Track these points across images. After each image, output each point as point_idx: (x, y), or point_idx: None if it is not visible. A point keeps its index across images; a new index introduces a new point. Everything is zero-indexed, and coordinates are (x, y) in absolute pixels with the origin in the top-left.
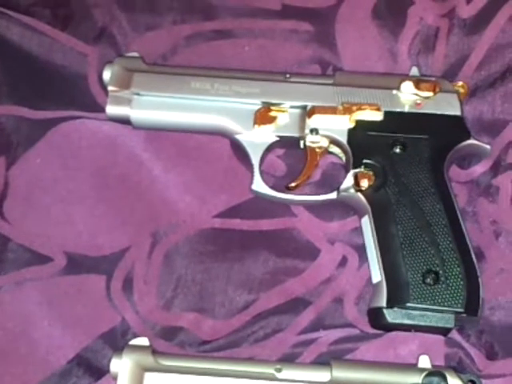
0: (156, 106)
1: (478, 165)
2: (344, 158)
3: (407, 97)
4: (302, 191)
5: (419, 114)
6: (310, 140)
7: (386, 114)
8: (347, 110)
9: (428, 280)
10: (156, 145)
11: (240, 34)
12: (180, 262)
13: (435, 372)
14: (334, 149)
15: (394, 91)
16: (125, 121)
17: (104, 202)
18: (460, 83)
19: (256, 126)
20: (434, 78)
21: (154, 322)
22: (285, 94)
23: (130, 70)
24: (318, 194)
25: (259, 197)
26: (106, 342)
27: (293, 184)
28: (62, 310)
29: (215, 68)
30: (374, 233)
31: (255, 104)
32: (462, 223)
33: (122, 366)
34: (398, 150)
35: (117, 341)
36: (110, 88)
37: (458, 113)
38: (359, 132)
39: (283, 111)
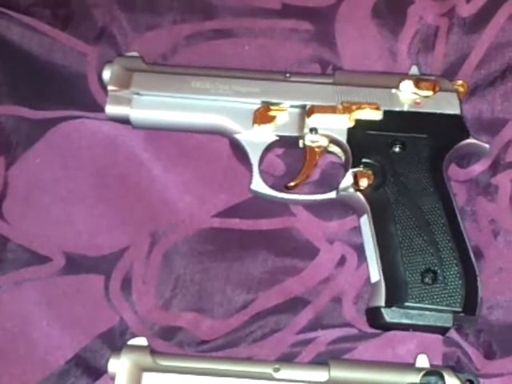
0: (156, 106)
1: (477, 164)
2: (343, 158)
3: (407, 96)
4: (301, 191)
5: (419, 113)
6: (310, 139)
7: (386, 113)
8: (347, 109)
9: (426, 279)
10: (155, 144)
11: (240, 34)
12: (179, 262)
13: (433, 371)
14: (334, 148)
15: (394, 90)
16: (124, 120)
17: (103, 202)
18: (460, 82)
19: (255, 125)
20: (433, 77)
21: (153, 322)
22: (284, 93)
23: (129, 69)
24: (317, 194)
25: (258, 196)
26: (105, 342)
27: (292, 183)
28: (61, 310)
29: (215, 67)
30: (373, 232)
31: (255, 103)
32: (460, 222)
33: (120, 366)
34: (397, 149)
35: (115, 341)
36: (109, 88)
37: (457, 112)
38: (358, 131)
39: (283, 110)
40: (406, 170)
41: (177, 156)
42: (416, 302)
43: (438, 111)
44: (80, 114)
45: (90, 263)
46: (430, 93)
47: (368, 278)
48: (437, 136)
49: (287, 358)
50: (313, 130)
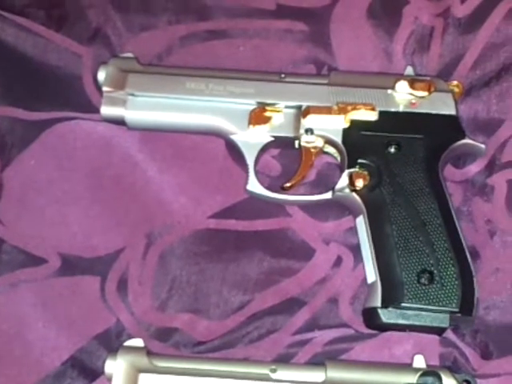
0: (151, 107)
1: (473, 164)
2: (339, 158)
3: (402, 96)
4: (296, 191)
5: (414, 113)
6: (305, 140)
7: (381, 113)
8: (342, 110)
9: (423, 280)
10: (151, 145)
11: (235, 34)
12: (175, 263)
13: (430, 372)
14: (329, 149)
15: (389, 91)
16: (119, 121)
17: (99, 203)
18: (455, 82)
19: (251, 126)
20: (428, 78)
21: (149, 323)
22: (280, 94)
23: (124, 70)
24: (313, 194)
25: (254, 197)
26: (101, 343)
27: (288, 184)
28: (57, 311)
29: (210, 68)
30: (369, 233)
31: (250, 104)
32: (456, 223)
33: (116, 367)
34: (392, 150)
35: (111, 342)
36: (104, 89)
37: (452, 112)
38: (354, 132)
39: (278, 111)
40: (402, 171)
41: (172, 157)
42: (412, 303)
43: (434, 112)
44: (75, 115)
45: (86, 264)
46: (425, 93)
47: (364, 279)
48: (432, 136)
49: (284, 359)
50: (308, 131)
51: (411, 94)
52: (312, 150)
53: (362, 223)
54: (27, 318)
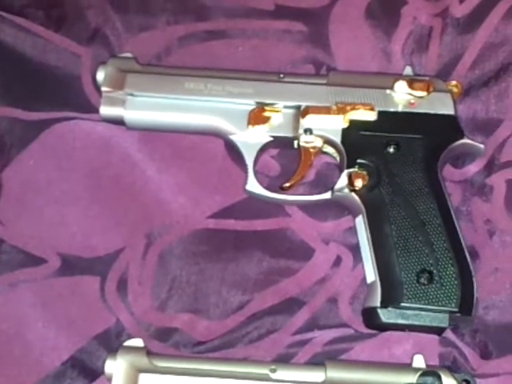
0: (150, 107)
1: (472, 164)
2: (338, 158)
3: (401, 96)
4: (296, 191)
5: (413, 113)
6: (304, 140)
7: (380, 113)
8: (341, 110)
9: (422, 279)
10: (150, 145)
11: (233, 35)
12: (174, 263)
13: (429, 372)
14: (328, 149)
15: (388, 91)
16: (119, 121)
17: (98, 203)
18: (454, 82)
19: (250, 126)
20: (427, 78)
21: (149, 323)
22: (278, 94)
23: (123, 70)
24: (312, 194)
25: (253, 197)
26: (101, 343)
27: (287, 184)
28: (56, 311)
29: (209, 68)
30: (368, 232)
31: (249, 104)
32: (455, 223)
33: (116, 367)
34: (391, 150)
35: (111, 342)
36: (103, 89)
37: (451, 112)
38: (353, 132)
39: (277, 111)
40: (401, 171)
41: (171, 157)
42: (412, 303)
43: (432, 112)
44: (74, 115)
45: (86, 264)
46: (424, 93)
47: (364, 279)
48: (431, 136)
49: (283, 359)
50: (307, 131)
51: (410, 94)
52: (311, 150)
53: (361, 223)
54: (27, 318)
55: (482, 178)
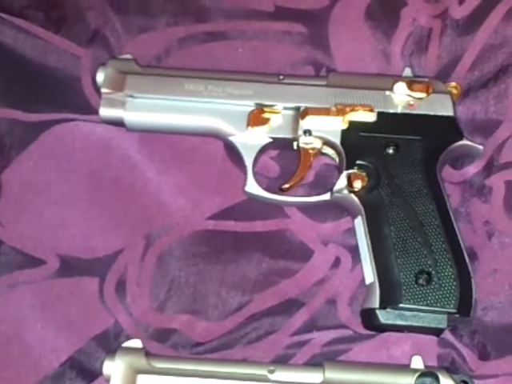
0: (149, 108)
1: (471, 165)
2: (337, 159)
3: (400, 98)
4: (295, 192)
5: (412, 114)
6: (304, 141)
7: (379, 114)
8: (340, 111)
9: (421, 281)
10: (150, 147)
11: (233, 36)
12: (173, 264)
13: (428, 372)
14: (328, 150)
15: (387, 92)
16: (118, 123)
17: (97, 205)
18: (453, 84)
19: (249, 127)
20: (426, 79)
21: (147, 324)
22: (278, 95)
23: (123, 72)
24: (312, 196)
25: (253, 198)
26: (99, 344)
27: (286, 185)
28: (55, 312)
29: (209, 70)
30: (367, 234)
31: (248, 105)
32: (454, 224)
33: (114, 368)
34: (391, 151)
35: (110, 343)
36: (103, 90)
37: (450, 113)
38: (352, 133)
39: (276, 113)
40: (400, 172)
41: (171, 158)
42: (410, 304)
43: (432, 113)
44: (74, 117)
45: (85, 266)
46: (423, 95)
47: (362, 280)
48: (430, 138)
49: (282, 360)
50: (307, 132)
51: (409, 95)
52: (310, 152)
53: (360, 224)
54: (26, 320)
55: (481, 179)
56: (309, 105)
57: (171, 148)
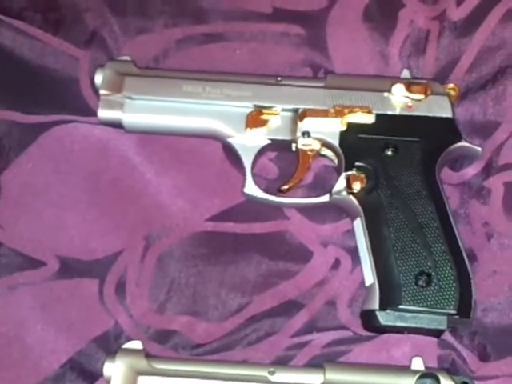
0: (148, 110)
1: (470, 167)
2: (336, 161)
3: (398, 99)
4: (294, 194)
5: (411, 116)
6: (302, 143)
7: (378, 116)
8: (339, 113)
9: (420, 282)
10: (148, 148)
11: (231, 38)
12: (173, 266)
13: (428, 374)
14: (326, 151)
15: (386, 94)
16: (117, 125)
17: (96, 206)
18: (451, 85)
19: (248, 129)
20: (425, 81)
21: (148, 326)
22: (276, 97)
23: (121, 73)
24: (311, 197)
25: (252, 200)
26: (100, 345)
27: (285, 187)
28: (55, 314)
29: (207, 71)
30: (367, 235)
31: (247, 107)
32: (454, 225)
33: (115, 369)
34: (389, 153)
35: (110, 344)
36: (101, 92)
37: (449, 115)
38: (351, 135)
39: (275, 114)
40: (399, 174)
41: (170, 160)
42: (410, 305)
43: (430, 114)
44: (72, 119)
45: (84, 267)
46: (421, 96)
47: (362, 281)
48: (429, 139)
49: (282, 361)
50: (305, 134)
51: (408, 96)
52: (309, 153)
53: (359, 226)
54: (26, 321)
55: (479, 181)
56: (307, 106)
57: (170, 149)
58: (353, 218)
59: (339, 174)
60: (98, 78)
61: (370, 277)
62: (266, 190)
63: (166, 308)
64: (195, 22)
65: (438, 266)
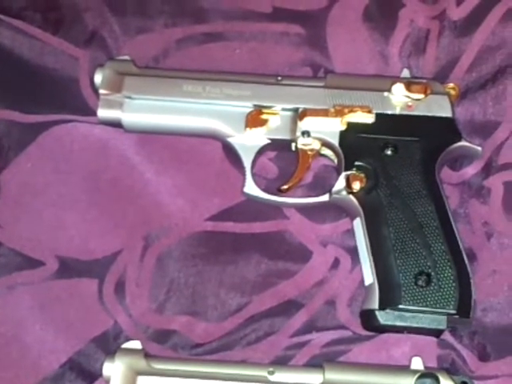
0: (147, 110)
1: (470, 166)
2: (336, 161)
3: (398, 99)
4: (294, 194)
5: (410, 116)
6: (302, 142)
7: (378, 116)
8: (339, 113)
9: (420, 282)
10: (148, 148)
11: (231, 37)
12: (172, 265)
13: (428, 373)
14: (326, 151)
15: (386, 93)
16: (116, 124)
17: (96, 206)
18: (451, 85)
19: (248, 128)
20: (425, 80)
21: (147, 325)
22: (276, 96)
23: (121, 73)
24: (310, 197)
25: (251, 199)
26: (99, 345)
27: (285, 186)
28: (54, 314)
29: (207, 71)
30: (366, 235)
31: (247, 107)
32: (453, 225)
33: (114, 369)
34: (389, 152)
35: (109, 344)
36: (101, 91)
37: (449, 114)
38: (351, 134)
39: (275, 114)
40: (399, 173)
41: (169, 159)
42: (410, 305)
43: (430, 114)
44: (72, 118)
45: (83, 267)
46: (421, 96)
47: (362, 281)
48: (429, 139)
49: (281, 361)
50: (305, 133)
51: (407, 96)
52: (309, 153)
53: (359, 225)
54: (25, 321)
55: (479, 181)
56: (307, 106)
57: (169, 149)
58: (352, 218)
59: (339, 174)
60: (98, 78)
61: (369, 276)
62: (265, 190)
63: (166, 308)
64: (195, 21)
65: (438, 265)
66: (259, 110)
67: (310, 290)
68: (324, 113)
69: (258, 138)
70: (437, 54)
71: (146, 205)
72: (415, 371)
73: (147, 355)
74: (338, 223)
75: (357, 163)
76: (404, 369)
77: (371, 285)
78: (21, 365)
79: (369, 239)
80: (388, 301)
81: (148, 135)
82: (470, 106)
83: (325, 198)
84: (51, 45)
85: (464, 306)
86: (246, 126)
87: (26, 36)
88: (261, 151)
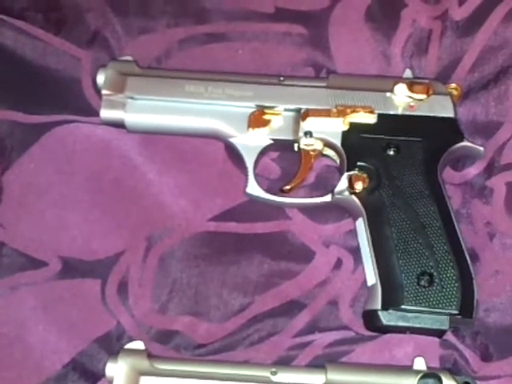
0: (150, 110)
1: (472, 167)
2: (338, 161)
3: (401, 99)
4: (296, 194)
5: (413, 116)
6: (304, 143)
7: (380, 116)
8: (341, 113)
9: (422, 282)
10: (150, 148)
11: (233, 38)
12: (175, 266)
13: (430, 374)
14: (328, 151)
15: (388, 94)
16: (119, 125)
17: (98, 206)
18: (453, 85)
19: (250, 129)
20: (427, 81)
21: (150, 326)
22: (278, 96)
23: (123, 73)
24: (313, 197)
25: (254, 200)
26: (102, 346)
27: (287, 187)
28: (57, 314)
29: (209, 71)
30: (369, 235)
31: (249, 107)
32: (456, 225)
33: (117, 370)
34: (391, 153)
35: (112, 345)
36: (103, 92)
37: (451, 115)
38: (353, 134)
39: (277, 114)
40: (401, 173)
41: (172, 160)
42: (412, 305)
43: (432, 114)
44: (74, 119)
45: (86, 267)
46: (423, 96)
47: (364, 281)
48: (431, 139)
49: (284, 362)
50: (307, 134)
51: (410, 96)
52: (311, 153)
53: (361, 226)
54: (27, 321)
55: (482, 181)
56: (309, 106)
57: (172, 149)
58: (355, 218)
59: (341, 174)
60: (100, 78)
61: (372, 277)
62: (268, 190)
63: (168, 308)
64: (197, 21)
65: (440, 265)
66: (261, 110)
67: (312, 291)
68: (326, 113)
69: (260, 138)
70: (439, 54)
71: (148, 205)
72: (418, 371)
73: (150, 355)
74: (340, 223)
75: (359, 163)
76: (406, 369)
77: (374, 285)
78: (24, 365)
79: (371, 239)
80: (390, 301)
81: (150, 136)
82: (472, 106)
83: (327, 198)
84: (53, 45)
85: (466, 306)
86: (249, 126)
87: (28, 37)
88: (263, 151)
